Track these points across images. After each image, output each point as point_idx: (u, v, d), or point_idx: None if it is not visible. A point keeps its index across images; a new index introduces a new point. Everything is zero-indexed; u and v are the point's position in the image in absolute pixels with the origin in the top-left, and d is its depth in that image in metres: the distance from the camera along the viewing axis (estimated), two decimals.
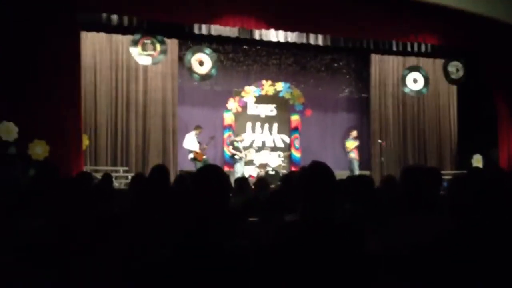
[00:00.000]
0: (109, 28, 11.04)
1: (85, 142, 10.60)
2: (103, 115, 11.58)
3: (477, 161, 12.65)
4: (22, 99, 9.05)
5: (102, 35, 11.55)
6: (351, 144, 12.72)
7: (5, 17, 9.01)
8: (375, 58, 13.53)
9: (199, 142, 11.71)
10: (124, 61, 11.75)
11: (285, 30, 11.52)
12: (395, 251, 2.53)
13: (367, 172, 12.18)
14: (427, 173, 3.22)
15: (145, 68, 11.76)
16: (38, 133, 9.13)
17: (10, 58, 9.04)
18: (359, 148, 12.77)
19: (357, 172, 11.98)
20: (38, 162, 8.81)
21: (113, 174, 9.55)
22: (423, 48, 12.50)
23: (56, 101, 9.35)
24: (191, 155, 11.60)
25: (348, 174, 10.45)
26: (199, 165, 11.05)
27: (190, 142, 11.65)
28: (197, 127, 11.82)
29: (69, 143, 9.57)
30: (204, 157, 11.61)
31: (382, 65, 13.63)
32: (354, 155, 12.65)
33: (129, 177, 10.05)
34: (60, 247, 2.80)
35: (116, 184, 9.42)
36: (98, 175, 8.20)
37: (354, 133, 12.91)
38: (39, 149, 9.08)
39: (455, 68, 12.93)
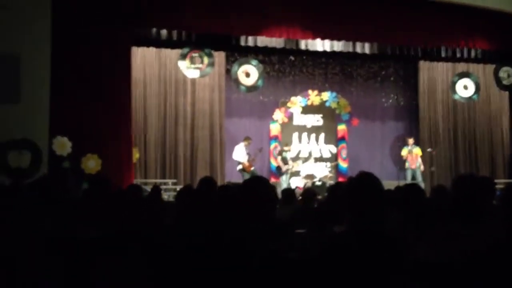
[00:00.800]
0: (158, 43, 11.27)
1: (136, 155, 10.81)
2: (152, 128, 11.80)
3: None
4: (75, 114, 9.33)
5: (152, 50, 11.80)
6: (403, 151, 12.56)
7: (60, 34, 9.33)
8: (423, 65, 13.29)
9: (248, 154, 11.77)
10: (172, 74, 11.96)
11: (331, 39, 11.49)
12: (445, 261, 2.48)
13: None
14: (479, 182, 3.13)
15: (193, 81, 11.93)
16: (91, 147, 9.39)
17: (64, 74, 9.35)
18: (414, 156, 12.50)
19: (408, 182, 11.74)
20: (91, 176, 9.04)
21: (162, 187, 9.70)
22: (472, 54, 12.21)
23: (108, 115, 9.60)
24: (239, 166, 11.67)
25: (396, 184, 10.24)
26: (247, 176, 11.07)
27: (239, 153, 11.73)
28: (246, 139, 11.89)
29: (121, 156, 9.79)
30: (252, 168, 11.66)
31: (430, 72, 13.37)
32: (407, 164, 12.43)
33: (177, 189, 10.19)
34: (111, 256, 2.87)
35: (165, 196, 9.55)
36: (148, 188, 8.35)
37: (408, 141, 12.67)
38: (91, 163, 9.32)
39: (507, 74, 12.54)
